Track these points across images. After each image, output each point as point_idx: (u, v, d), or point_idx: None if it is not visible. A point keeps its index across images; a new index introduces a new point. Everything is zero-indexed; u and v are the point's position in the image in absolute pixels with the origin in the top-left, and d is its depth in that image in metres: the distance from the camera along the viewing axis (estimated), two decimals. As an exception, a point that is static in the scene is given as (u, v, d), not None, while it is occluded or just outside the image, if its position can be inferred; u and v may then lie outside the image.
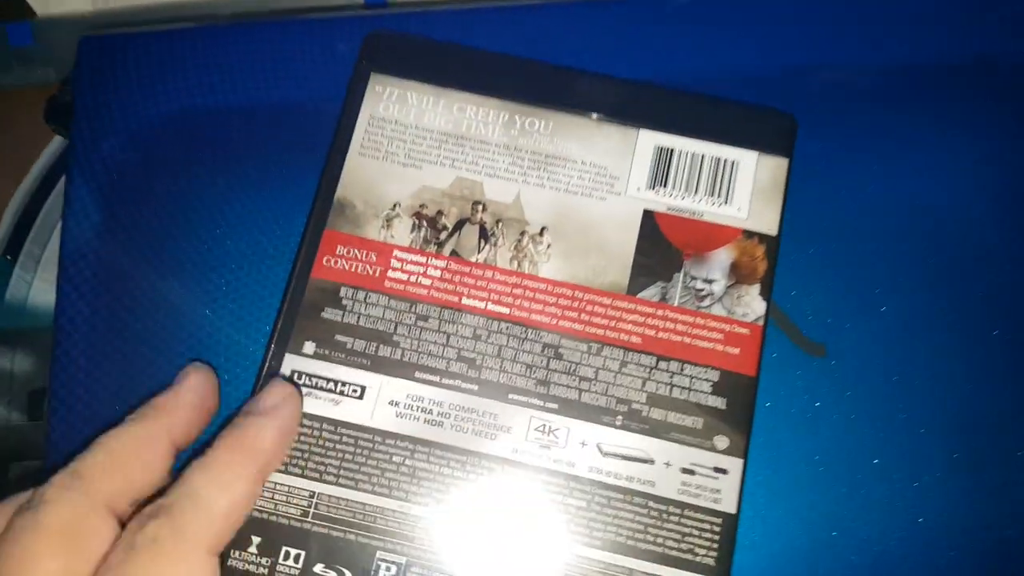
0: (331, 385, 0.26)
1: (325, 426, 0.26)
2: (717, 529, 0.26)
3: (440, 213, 0.28)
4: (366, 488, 0.26)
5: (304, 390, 0.26)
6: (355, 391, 0.26)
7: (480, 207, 0.28)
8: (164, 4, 0.34)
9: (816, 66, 0.31)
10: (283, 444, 0.24)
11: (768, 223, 0.29)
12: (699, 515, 0.26)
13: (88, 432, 0.28)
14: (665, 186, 0.29)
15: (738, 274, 0.28)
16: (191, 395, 0.24)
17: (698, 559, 0.25)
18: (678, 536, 0.26)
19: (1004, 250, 0.30)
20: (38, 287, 0.41)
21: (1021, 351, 0.29)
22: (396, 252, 0.28)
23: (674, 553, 0.26)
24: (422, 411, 0.26)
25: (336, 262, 0.28)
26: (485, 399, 0.27)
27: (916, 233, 0.30)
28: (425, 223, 0.28)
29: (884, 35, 0.31)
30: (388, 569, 0.25)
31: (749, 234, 0.28)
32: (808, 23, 0.32)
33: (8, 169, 0.41)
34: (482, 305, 0.27)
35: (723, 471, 0.26)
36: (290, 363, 0.27)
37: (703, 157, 0.29)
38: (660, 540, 0.26)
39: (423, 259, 0.28)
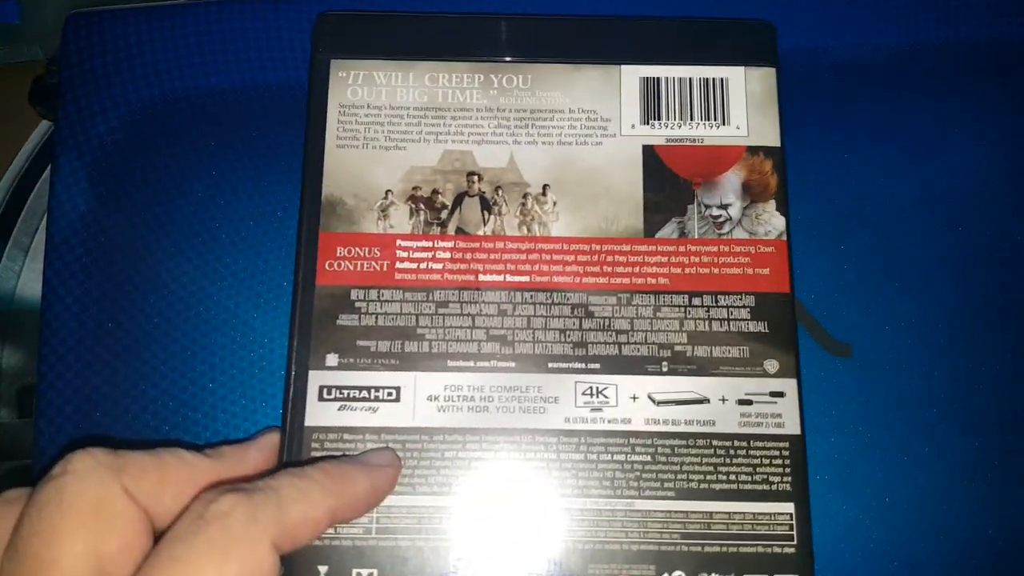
0: (364, 393, 0.25)
1: (368, 436, 0.25)
2: (786, 453, 0.25)
3: (436, 192, 0.27)
4: (425, 491, 0.24)
5: (337, 404, 0.25)
6: (390, 394, 0.25)
7: (475, 177, 0.27)
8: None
9: (818, 48, 0.30)
10: (365, 501, 0.23)
11: (770, 136, 0.28)
12: (766, 443, 0.25)
13: (77, 432, 0.27)
14: (659, 119, 0.28)
15: (752, 193, 0.27)
16: (257, 455, 0.23)
17: (774, 487, 0.25)
18: (749, 469, 0.25)
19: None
20: (27, 277, 0.38)
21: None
22: (399, 241, 0.26)
23: (749, 487, 0.25)
24: (463, 400, 0.25)
25: (340, 264, 0.26)
26: (525, 374, 0.25)
27: (937, 223, 0.29)
28: (422, 205, 0.27)
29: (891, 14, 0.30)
30: (468, 567, 0.24)
31: (753, 150, 0.27)
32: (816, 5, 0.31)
33: (-6, 153, 0.39)
34: (500, 278, 0.26)
35: (780, 394, 0.26)
36: (316, 379, 0.25)
37: (691, 81, 0.28)
38: (732, 477, 0.25)
39: (429, 243, 0.26)
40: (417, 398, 0.25)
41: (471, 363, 0.25)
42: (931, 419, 0.27)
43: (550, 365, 0.25)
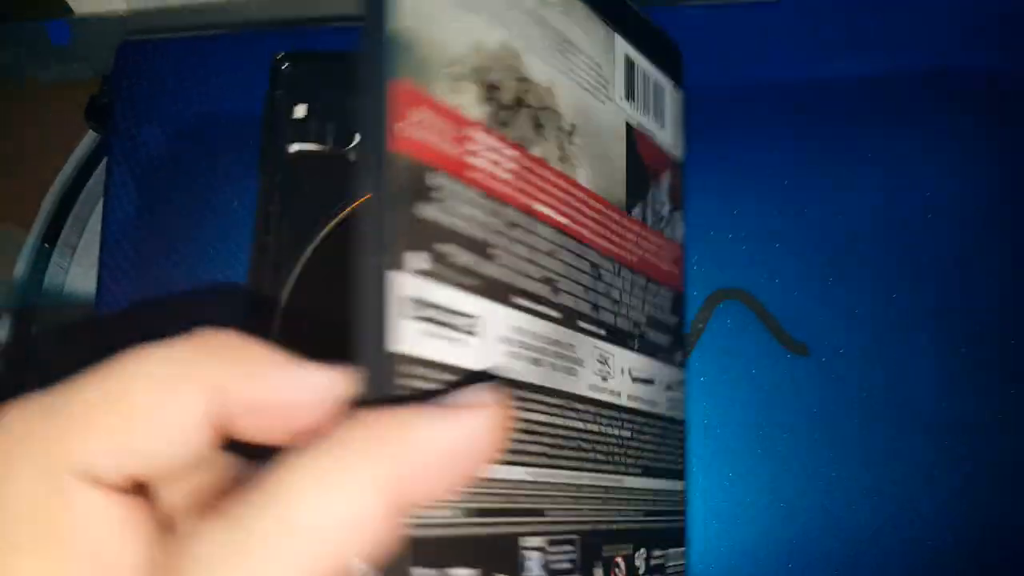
0: (445, 317, 0.18)
1: (447, 375, 0.18)
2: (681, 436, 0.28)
3: (494, 86, 0.21)
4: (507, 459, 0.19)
5: (416, 324, 0.17)
6: (469, 326, 0.18)
7: (525, 85, 0.22)
8: (197, 4, 0.37)
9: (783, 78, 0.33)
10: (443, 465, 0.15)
11: (680, 150, 0.30)
12: (677, 426, 0.27)
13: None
14: (634, 100, 0.28)
15: (673, 199, 0.29)
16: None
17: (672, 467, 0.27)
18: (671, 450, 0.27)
19: (983, 248, 0.33)
20: (75, 273, 0.43)
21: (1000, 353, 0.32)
22: (473, 129, 0.20)
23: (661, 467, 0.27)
24: (525, 348, 0.20)
25: (412, 132, 0.18)
26: (565, 328, 0.22)
27: (895, 233, 0.33)
28: (491, 95, 0.21)
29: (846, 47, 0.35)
30: (530, 557, 0.19)
31: (675, 160, 0.30)
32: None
33: (46, 160, 0.44)
34: (551, 213, 0.22)
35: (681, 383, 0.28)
36: (398, 286, 0.17)
37: (654, 79, 0.29)
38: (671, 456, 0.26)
39: (498, 144, 0.21)
40: (490, 337, 0.19)
41: (530, 303, 0.21)
42: (883, 417, 0.31)
43: (579, 323, 0.23)
